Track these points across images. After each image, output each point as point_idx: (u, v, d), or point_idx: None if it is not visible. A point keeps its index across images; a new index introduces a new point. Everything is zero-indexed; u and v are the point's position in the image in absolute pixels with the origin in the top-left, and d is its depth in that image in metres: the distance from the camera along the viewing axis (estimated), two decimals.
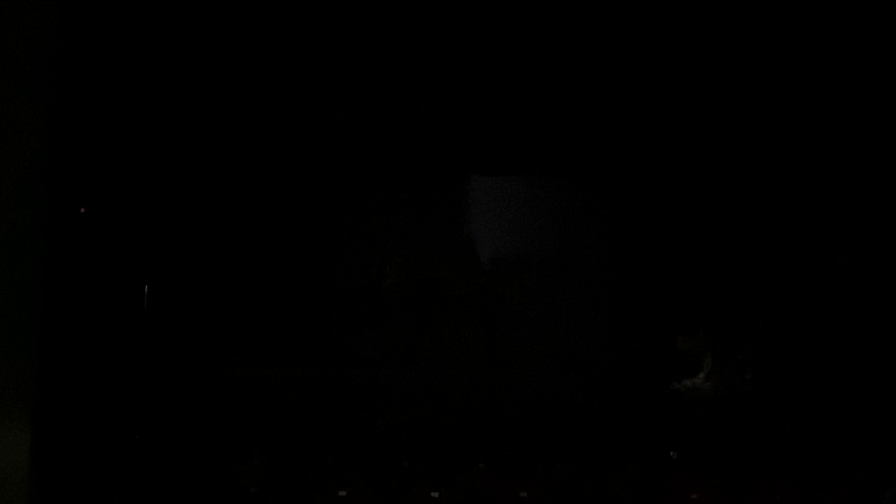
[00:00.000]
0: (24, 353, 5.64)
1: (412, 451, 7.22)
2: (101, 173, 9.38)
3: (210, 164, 10.35)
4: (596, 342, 13.82)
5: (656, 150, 11.96)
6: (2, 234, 5.43)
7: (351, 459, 7.11)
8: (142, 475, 6.67)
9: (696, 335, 10.10)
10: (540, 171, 12.66)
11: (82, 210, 9.51)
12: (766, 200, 11.64)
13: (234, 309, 11.57)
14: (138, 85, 9.27)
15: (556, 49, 9.71)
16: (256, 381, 9.70)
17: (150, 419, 7.78)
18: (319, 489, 6.54)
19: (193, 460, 7.04)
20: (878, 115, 9.57)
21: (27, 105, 5.71)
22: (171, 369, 9.24)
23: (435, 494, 6.33)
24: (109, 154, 9.34)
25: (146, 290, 9.00)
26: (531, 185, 13.39)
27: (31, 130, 5.61)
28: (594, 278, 14.21)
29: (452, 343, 13.08)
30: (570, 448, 7.54)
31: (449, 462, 7.10)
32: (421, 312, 12.94)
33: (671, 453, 7.09)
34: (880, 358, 9.24)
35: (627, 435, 7.95)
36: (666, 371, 10.64)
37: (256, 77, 10.30)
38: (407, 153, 11.61)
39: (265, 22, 9.35)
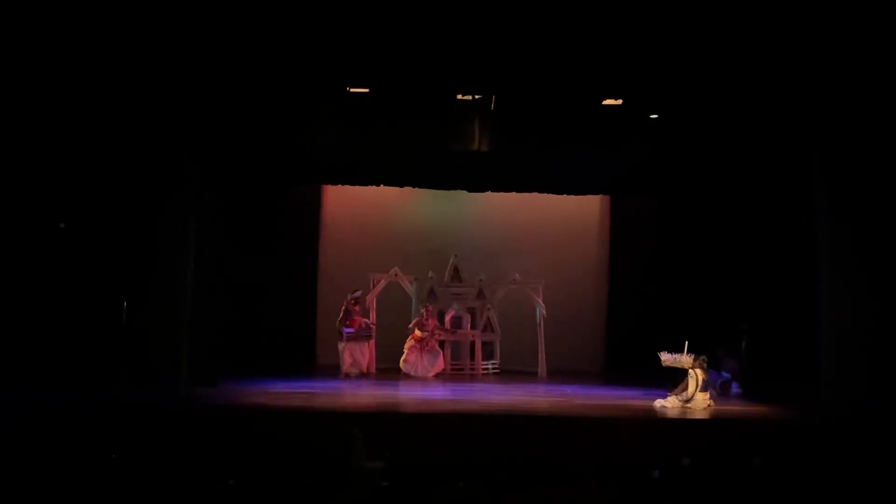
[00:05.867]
0: None
1: None
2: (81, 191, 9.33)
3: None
4: (578, 358, 13.85)
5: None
6: None
7: None
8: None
9: (681, 353, 10.07)
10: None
11: (62, 225, 9.44)
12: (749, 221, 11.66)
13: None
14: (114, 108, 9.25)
15: None
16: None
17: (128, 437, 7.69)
18: None
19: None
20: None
21: None
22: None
23: None
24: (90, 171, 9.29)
25: (125, 305, 8.92)
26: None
27: None
28: (582, 295, 14.26)
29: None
30: (553, 466, 7.46)
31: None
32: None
33: (654, 472, 7.01)
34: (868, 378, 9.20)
35: (610, 453, 7.86)
36: (649, 388, 10.63)
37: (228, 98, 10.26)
38: None
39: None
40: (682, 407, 9.84)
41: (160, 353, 9.10)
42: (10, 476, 6.42)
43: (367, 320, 12.60)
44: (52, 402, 8.21)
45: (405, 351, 12.60)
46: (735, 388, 11.23)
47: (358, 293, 12.58)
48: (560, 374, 12.81)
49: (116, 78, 9.04)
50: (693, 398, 9.89)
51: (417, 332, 12.58)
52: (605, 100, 10.52)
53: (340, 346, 12.37)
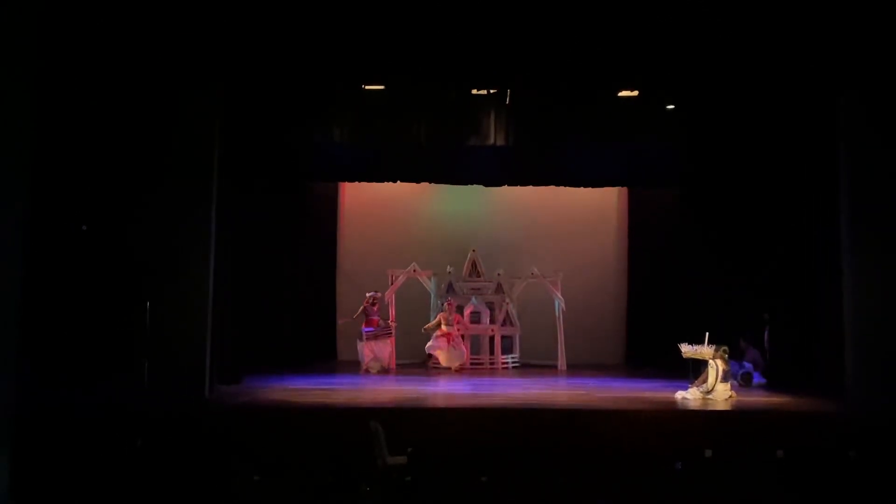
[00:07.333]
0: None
1: None
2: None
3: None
4: (598, 351, 13.82)
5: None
6: None
7: None
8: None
9: (701, 344, 10.03)
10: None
11: (84, 227, 9.53)
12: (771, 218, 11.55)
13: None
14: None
15: None
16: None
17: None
18: None
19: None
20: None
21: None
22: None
23: None
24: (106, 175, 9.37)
25: (148, 306, 9.00)
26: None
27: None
28: (607, 286, 14.21)
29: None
30: (575, 460, 7.47)
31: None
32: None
33: (676, 464, 7.02)
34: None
35: (632, 446, 7.86)
36: (670, 379, 10.60)
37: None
38: None
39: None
40: (704, 398, 9.80)
41: (184, 351, 9.17)
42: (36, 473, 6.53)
43: (384, 320, 12.63)
44: (77, 402, 8.31)
45: (433, 343, 12.65)
46: (757, 379, 11.17)
47: (376, 294, 12.58)
48: (580, 367, 12.80)
49: (142, 77, 9.13)
50: (714, 389, 9.84)
51: (444, 327, 12.61)
52: (620, 91, 10.48)
53: (360, 344, 12.41)
